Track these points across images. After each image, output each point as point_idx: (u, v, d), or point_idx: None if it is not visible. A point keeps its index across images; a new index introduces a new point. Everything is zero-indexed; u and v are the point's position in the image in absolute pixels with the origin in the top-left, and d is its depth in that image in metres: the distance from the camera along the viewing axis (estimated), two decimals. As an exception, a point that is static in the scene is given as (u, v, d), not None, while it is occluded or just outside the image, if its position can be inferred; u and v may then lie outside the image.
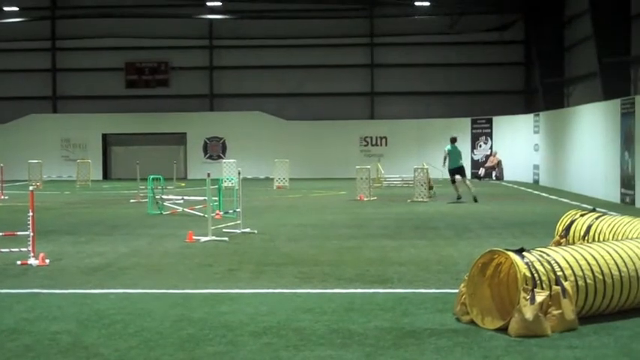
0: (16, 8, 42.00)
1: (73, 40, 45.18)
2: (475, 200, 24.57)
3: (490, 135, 40.72)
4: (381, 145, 43.23)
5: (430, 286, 10.30)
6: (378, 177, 35.09)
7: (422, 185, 25.83)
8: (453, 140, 26.32)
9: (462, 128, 41.18)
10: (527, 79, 42.72)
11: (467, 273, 8.59)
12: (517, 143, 38.50)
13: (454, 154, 25.91)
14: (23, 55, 45.13)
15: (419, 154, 39.22)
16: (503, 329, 7.80)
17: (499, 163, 39.76)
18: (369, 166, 28.17)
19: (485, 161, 40.55)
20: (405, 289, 10.11)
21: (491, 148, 40.56)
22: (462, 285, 8.46)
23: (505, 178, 38.91)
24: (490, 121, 40.77)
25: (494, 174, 39.61)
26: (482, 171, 40.12)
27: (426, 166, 26.88)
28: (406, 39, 43.68)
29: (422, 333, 7.86)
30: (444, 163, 26.19)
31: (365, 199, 26.07)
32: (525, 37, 41.97)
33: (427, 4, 38.92)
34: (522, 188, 32.82)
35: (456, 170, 25.77)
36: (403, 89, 43.99)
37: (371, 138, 43.49)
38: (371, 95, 44.63)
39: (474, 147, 41.26)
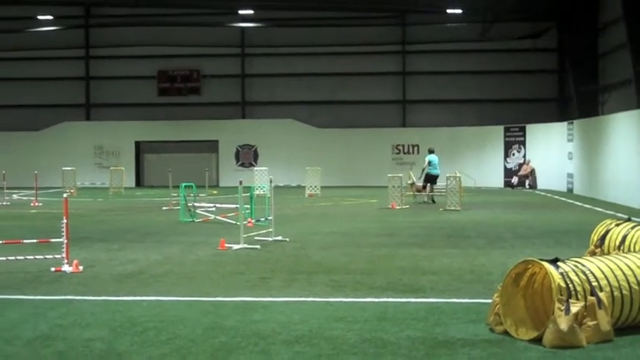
0: (50, 17, 42.52)
1: (106, 48, 45.61)
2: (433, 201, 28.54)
3: (523, 143, 40.41)
4: (412, 153, 43.09)
5: (463, 296, 10.22)
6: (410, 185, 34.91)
7: (455, 194, 25.68)
8: (432, 151, 30.21)
9: (494, 136, 41.06)
10: (560, 86, 42.38)
11: (500, 283, 8.52)
12: (551, 151, 38.17)
13: (436, 163, 29.56)
14: (57, 63, 45.62)
15: (451, 163, 39.00)
16: (538, 340, 7.71)
17: (532, 171, 39.44)
18: (401, 174, 28.09)
19: (519, 169, 40.25)
20: (438, 299, 10.04)
21: (524, 156, 40.23)
22: (496, 295, 8.39)
23: (538, 187, 38.59)
24: (523, 129, 40.46)
25: (527, 182, 39.29)
26: (515, 179, 39.82)
27: (458, 175, 26.72)
28: (438, 46, 43.56)
29: (455, 343, 7.79)
30: (422, 173, 29.84)
31: (397, 207, 25.99)
32: (558, 45, 41.63)
33: (459, 11, 38.80)
34: (556, 197, 32.52)
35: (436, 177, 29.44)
36: (435, 97, 43.84)
37: (403, 146, 43.36)
38: (403, 103, 44.52)
39: (506, 155, 40.98)
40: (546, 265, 7.99)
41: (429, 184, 29.43)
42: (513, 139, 40.87)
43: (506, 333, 8.06)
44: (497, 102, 43.09)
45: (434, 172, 29.39)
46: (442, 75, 43.71)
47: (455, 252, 14.64)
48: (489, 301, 8.66)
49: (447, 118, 43.40)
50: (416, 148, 43.02)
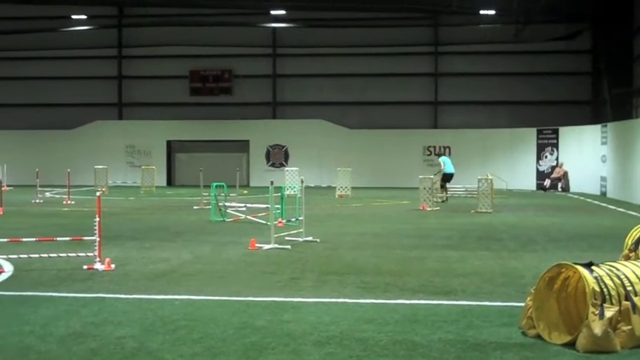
0: (84, 16, 42.91)
1: (138, 48, 45.93)
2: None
3: (556, 146, 40.08)
4: (444, 154, 42.87)
5: (495, 299, 10.13)
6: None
7: (486, 196, 25.53)
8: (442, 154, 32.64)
9: (527, 138, 40.77)
10: (594, 89, 41.95)
11: (533, 286, 8.44)
12: (584, 154, 37.82)
13: (450, 163, 31.24)
14: (90, 62, 46.05)
15: (483, 165, 38.83)
16: (571, 344, 7.63)
17: (565, 174, 39.09)
18: (432, 176, 27.98)
19: (551, 172, 39.92)
20: (470, 302, 9.96)
21: (557, 159, 39.91)
22: (529, 298, 8.31)
23: (571, 190, 38.26)
24: (556, 132, 40.13)
25: (560, 185, 38.96)
26: (547, 182, 39.51)
27: (490, 177, 26.57)
28: (471, 48, 43.39)
29: (487, 346, 7.73)
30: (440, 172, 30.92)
31: (428, 209, 25.89)
32: (592, 47, 41.29)
33: (492, 12, 38.60)
34: (589, 200, 32.21)
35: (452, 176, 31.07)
36: (467, 98, 43.66)
37: (434, 147, 43.21)
38: (434, 104, 44.38)
39: (539, 158, 40.67)
40: (580, 269, 7.90)
41: (445, 184, 30.99)
42: (546, 141, 40.55)
43: (539, 337, 7.98)
44: (529, 104, 42.81)
45: (449, 170, 30.92)
46: (474, 76, 43.52)
47: (487, 254, 14.54)
48: (522, 304, 8.57)
49: (479, 119, 43.19)
50: (447, 149, 42.84)
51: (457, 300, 10.09)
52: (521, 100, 43.02)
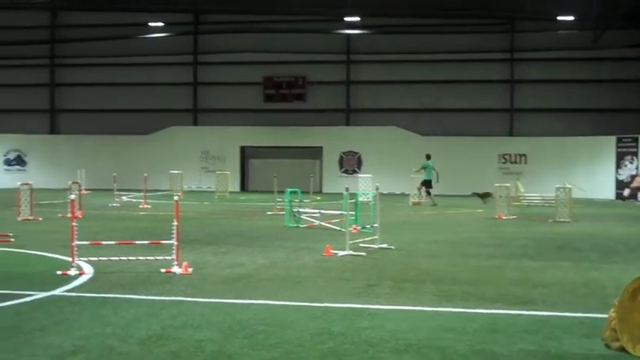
0: (161, 24, 43.62)
1: (213, 54, 46.46)
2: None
3: (636, 154, 39.13)
4: (520, 162, 42.32)
5: (576, 310, 9.90)
6: (518, 195, 34.31)
7: (564, 205, 25.03)
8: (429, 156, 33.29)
9: (606, 147, 39.93)
10: (676, 96, 40.92)
11: (615, 298, 8.22)
12: (665, 163, 36.89)
13: (429, 169, 32.66)
14: (166, 68, 46.82)
15: (560, 173, 38.13)
16: (657, 358, 7.41)
17: (645, 183, 38.08)
18: (508, 184, 27.60)
19: (631, 181, 38.80)
20: (550, 312, 9.75)
21: (637, 167, 38.96)
22: (612, 310, 8.09)
23: (651, 200, 37.30)
24: (636, 140, 39.19)
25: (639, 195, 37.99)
26: (627, 192, 38.28)
27: (568, 186, 26.06)
28: (547, 54, 42.74)
29: (569, 358, 7.56)
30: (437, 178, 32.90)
31: (504, 217, 25.51)
32: (674, 53, 40.27)
33: (570, 18, 37.91)
34: (670, 210, 31.38)
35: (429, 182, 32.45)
36: (544, 106, 43.01)
37: (510, 155, 42.61)
38: (510, 112, 43.82)
39: (618, 166, 39.78)
40: (667, 281, 7.66)
41: (424, 188, 32.86)
42: (626, 149, 39.62)
43: (622, 349, 7.76)
44: (608, 111, 41.96)
45: (426, 176, 32.87)
46: (551, 83, 42.86)
47: (566, 265, 14.24)
48: (604, 315, 8.37)
49: (556, 127, 42.46)
50: (523, 157, 42.22)
51: (537, 310, 9.88)
52: (600, 108, 42.17)
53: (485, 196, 33.95)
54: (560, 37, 41.82)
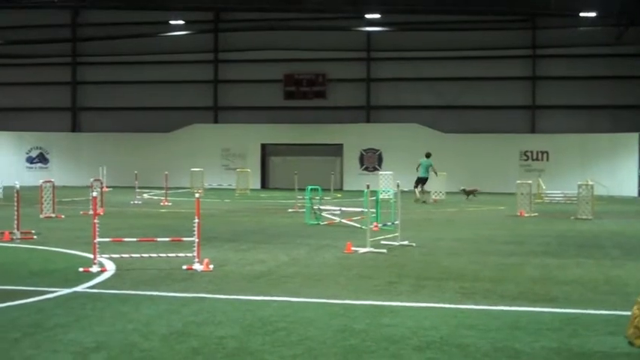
0: (182, 22, 43.75)
1: (234, 52, 46.52)
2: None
3: (659, 151, 38.89)
4: (542, 159, 42.07)
5: (599, 307, 9.84)
6: (539, 193, 34.14)
7: (586, 202, 24.87)
8: (428, 155, 32.96)
9: (628, 143, 39.65)
10: (699, 92, 40.54)
11: (639, 295, 8.14)
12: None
13: (424, 166, 32.32)
14: (187, 66, 46.93)
15: (582, 170, 37.90)
16: (682, 356, 7.35)
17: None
18: (530, 181, 27.45)
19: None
20: (573, 309, 9.70)
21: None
22: (635, 307, 8.03)
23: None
24: (659, 137, 38.95)
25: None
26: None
27: (590, 183, 25.89)
28: (570, 51, 42.45)
29: (592, 356, 7.51)
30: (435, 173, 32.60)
31: (525, 215, 25.38)
32: (698, 49, 39.89)
33: (593, 14, 37.61)
34: (694, 208, 31.09)
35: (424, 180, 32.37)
36: (566, 103, 42.73)
37: (531, 152, 42.38)
38: (532, 108, 43.57)
39: (641, 164, 39.54)
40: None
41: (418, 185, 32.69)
42: (648, 146, 39.36)
43: (646, 347, 7.72)
44: (631, 108, 41.64)
45: (421, 174, 32.58)
46: (573, 80, 42.56)
47: (588, 262, 14.16)
48: (627, 313, 8.32)
49: (578, 124, 42.21)
50: (545, 154, 41.98)
51: (559, 308, 9.83)
52: (623, 105, 41.85)
53: (470, 193, 33.88)
54: (582, 34, 41.53)
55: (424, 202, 31.86)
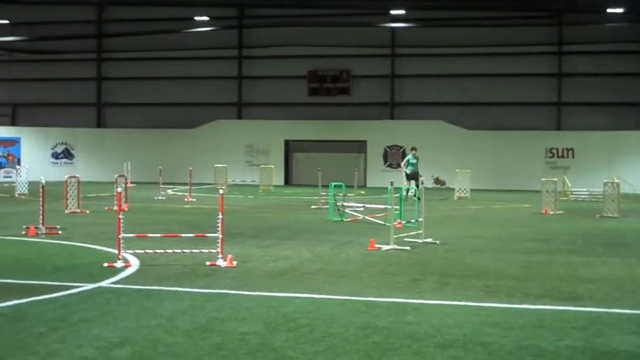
0: (206, 18, 43.85)
1: (258, 48, 46.57)
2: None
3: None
4: (567, 157, 41.78)
5: (624, 306, 9.75)
6: (565, 190, 33.92)
7: (612, 200, 24.66)
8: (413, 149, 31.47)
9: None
10: None
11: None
12: None
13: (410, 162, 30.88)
14: (212, 62, 47.05)
15: (608, 168, 37.61)
16: None
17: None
18: (555, 179, 27.27)
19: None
20: (598, 308, 9.62)
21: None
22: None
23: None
24: (686, 134, 38.57)
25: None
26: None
27: (616, 180, 25.67)
28: (596, 47, 42.12)
29: (617, 355, 7.44)
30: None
31: (550, 212, 25.21)
32: None
33: (620, 10, 37.29)
34: None
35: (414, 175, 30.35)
36: (592, 100, 42.39)
37: (557, 149, 42.10)
38: (557, 105, 43.28)
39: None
40: None
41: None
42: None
43: (673, 347, 7.65)
44: (658, 105, 41.29)
45: (409, 169, 30.73)
46: (600, 77, 42.24)
47: (614, 260, 14.03)
48: (654, 312, 8.24)
49: (605, 121, 41.87)
50: (570, 152, 41.70)
51: (584, 306, 9.76)
52: (650, 102, 41.53)
53: (441, 183, 33.66)
54: (609, 30, 41.19)
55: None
